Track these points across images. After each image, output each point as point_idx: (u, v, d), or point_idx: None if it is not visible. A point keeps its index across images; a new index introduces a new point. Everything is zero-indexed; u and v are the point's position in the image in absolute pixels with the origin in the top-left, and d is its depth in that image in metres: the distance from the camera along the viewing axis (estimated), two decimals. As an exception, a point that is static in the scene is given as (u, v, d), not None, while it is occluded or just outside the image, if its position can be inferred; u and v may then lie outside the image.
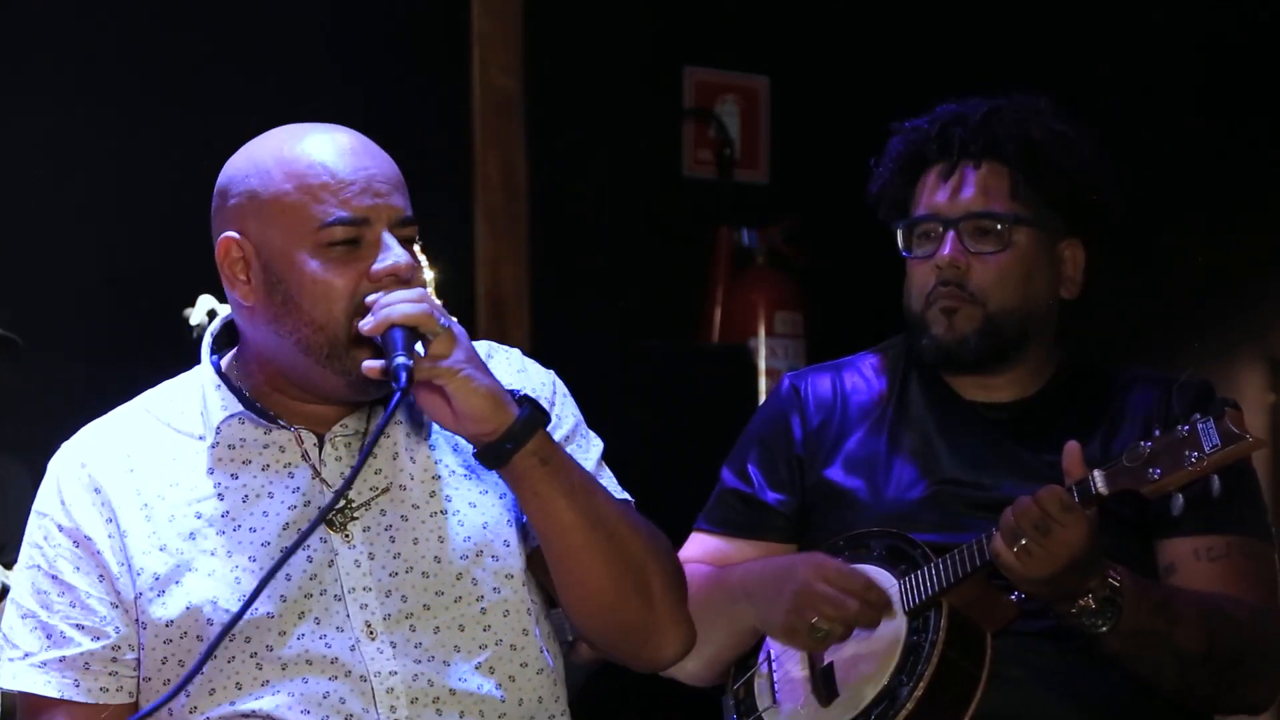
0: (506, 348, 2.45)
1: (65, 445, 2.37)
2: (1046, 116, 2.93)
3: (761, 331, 5.12)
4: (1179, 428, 2.57)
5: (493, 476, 2.31)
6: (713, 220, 5.25)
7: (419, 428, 2.35)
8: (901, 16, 5.20)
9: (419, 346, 2.17)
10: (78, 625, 2.27)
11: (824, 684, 2.81)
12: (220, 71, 4.34)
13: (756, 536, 3.01)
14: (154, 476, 2.30)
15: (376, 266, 2.22)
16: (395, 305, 2.17)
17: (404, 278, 2.22)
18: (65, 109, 4.19)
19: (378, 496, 2.29)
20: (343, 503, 2.28)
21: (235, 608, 2.21)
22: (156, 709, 2.22)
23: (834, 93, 5.19)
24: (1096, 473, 2.62)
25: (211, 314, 3.68)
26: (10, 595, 2.33)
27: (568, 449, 2.34)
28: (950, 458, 2.92)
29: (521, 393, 2.25)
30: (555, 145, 4.79)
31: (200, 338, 3.66)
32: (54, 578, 2.29)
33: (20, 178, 4.15)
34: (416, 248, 2.31)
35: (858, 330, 3.31)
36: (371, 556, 2.27)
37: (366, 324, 2.18)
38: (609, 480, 2.41)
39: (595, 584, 2.27)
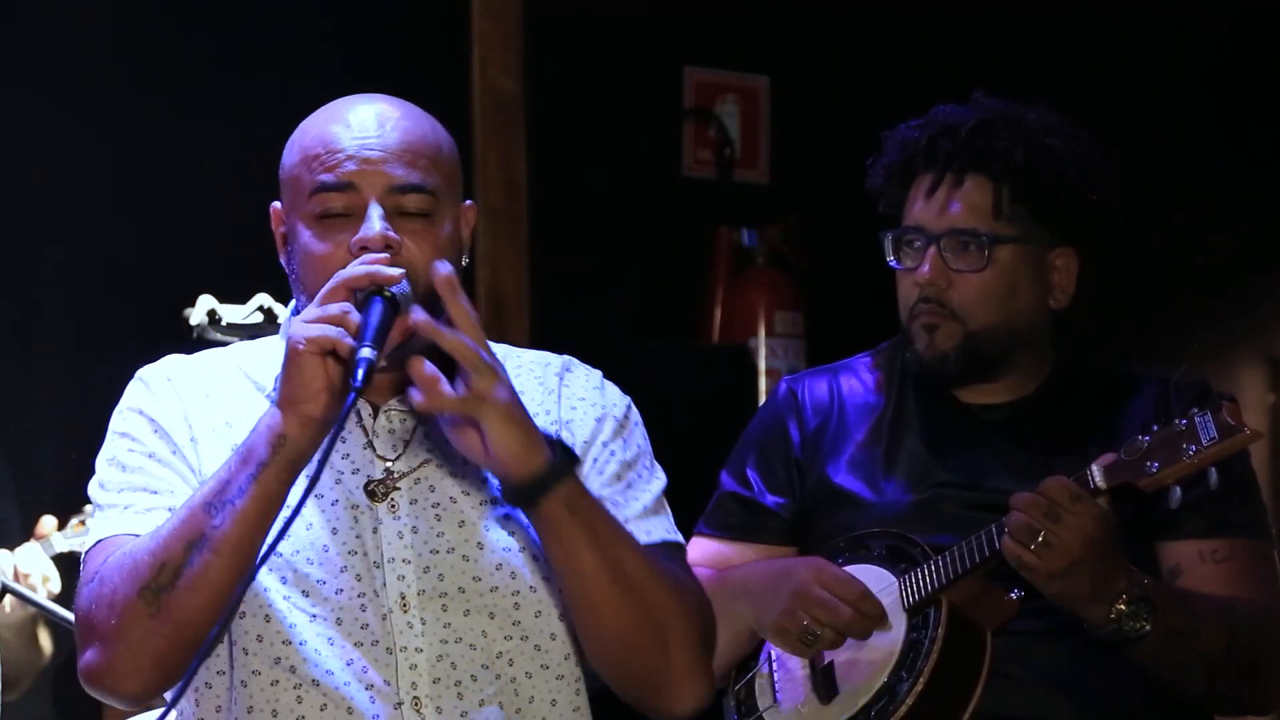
0: (587, 367, 2.44)
1: (149, 366, 2.36)
2: (1038, 128, 2.90)
3: (761, 331, 5.12)
4: (1176, 421, 2.58)
5: None
6: (713, 220, 5.25)
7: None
8: (901, 16, 5.20)
9: (460, 382, 2.15)
10: (170, 489, 2.26)
11: (824, 682, 2.81)
12: (220, 71, 4.35)
13: (756, 540, 3.01)
14: (223, 410, 2.29)
15: (353, 239, 2.21)
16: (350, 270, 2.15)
17: (374, 249, 2.19)
18: (65, 109, 4.19)
19: (418, 470, 2.29)
20: (385, 474, 2.28)
21: (279, 545, 2.20)
22: (212, 645, 2.17)
23: (834, 93, 5.19)
24: (1094, 466, 2.63)
25: (211, 314, 3.69)
26: (96, 483, 2.30)
27: (627, 476, 2.34)
28: (947, 459, 2.92)
29: (556, 434, 2.24)
30: (555, 145, 4.79)
31: (200, 337, 3.69)
32: (146, 454, 2.28)
33: (20, 177, 4.15)
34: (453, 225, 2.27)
35: (858, 330, 3.31)
36: (415, 530, 2.26)
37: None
38: (663, 520, 2.38)
39: (610, 632, 2.25)
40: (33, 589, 3.63)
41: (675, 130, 5.27)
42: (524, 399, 2.26)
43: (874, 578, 2.82)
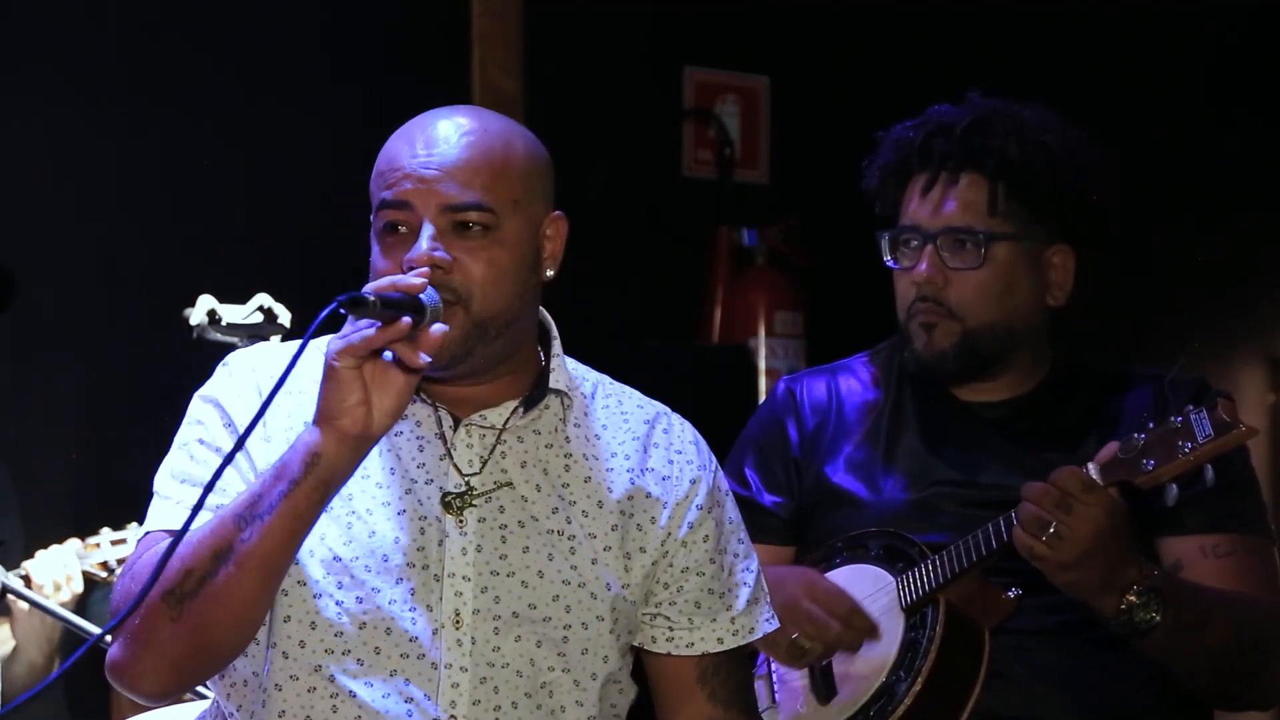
0: (680, 418, 2.45)
1: (240, 351, 2.37)
2: (1033, 126, 2.90)
3: (761, 331, 5.12)
4: (1172, 419, 2.58)
5: (618, 545, 2.32)
6: (713, 220, 5.26)
7: (567, 457, 2.34)
8: (901, 16, 5.21)
9: None
10: (224, 487, 2.24)
11: (823, 682, 2.82)
12: (220, 71, 4.35)
13: (755, 540, 2.99)
14: (304, 410, 2.26)
15: (404, 257, 2.20)
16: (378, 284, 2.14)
17: (417, 266, 2.18)
18: (65, 109, 4.19)
19: (496, 490, 2.28)
20: (464, 488, 2.28)
21: (340, 549, 2.21)
22: (146, 588, 2.11)
23: (834, 93, 5.20)
24: (1091, 465, 2.63)
25: (211, 314, 3.68)
26: (165, 468, 2.29)
27: (724, 561, 2.41)
28: (946, 458, 2.92)
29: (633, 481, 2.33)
30: (555, 145, 4.78)
31: (200, 337, 3.69)
32: (213, 448, 2.27)
33: (20, 177, 4.15)
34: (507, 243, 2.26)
35: (858, 330, 3.31)
36: (479, 549, 2.26)
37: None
38: (759, 613, 2.42)
39: None
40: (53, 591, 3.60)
41: (675, 130, 5.28)
42: (604, 433, 2.33)
43: (871, 578, 2.83)
